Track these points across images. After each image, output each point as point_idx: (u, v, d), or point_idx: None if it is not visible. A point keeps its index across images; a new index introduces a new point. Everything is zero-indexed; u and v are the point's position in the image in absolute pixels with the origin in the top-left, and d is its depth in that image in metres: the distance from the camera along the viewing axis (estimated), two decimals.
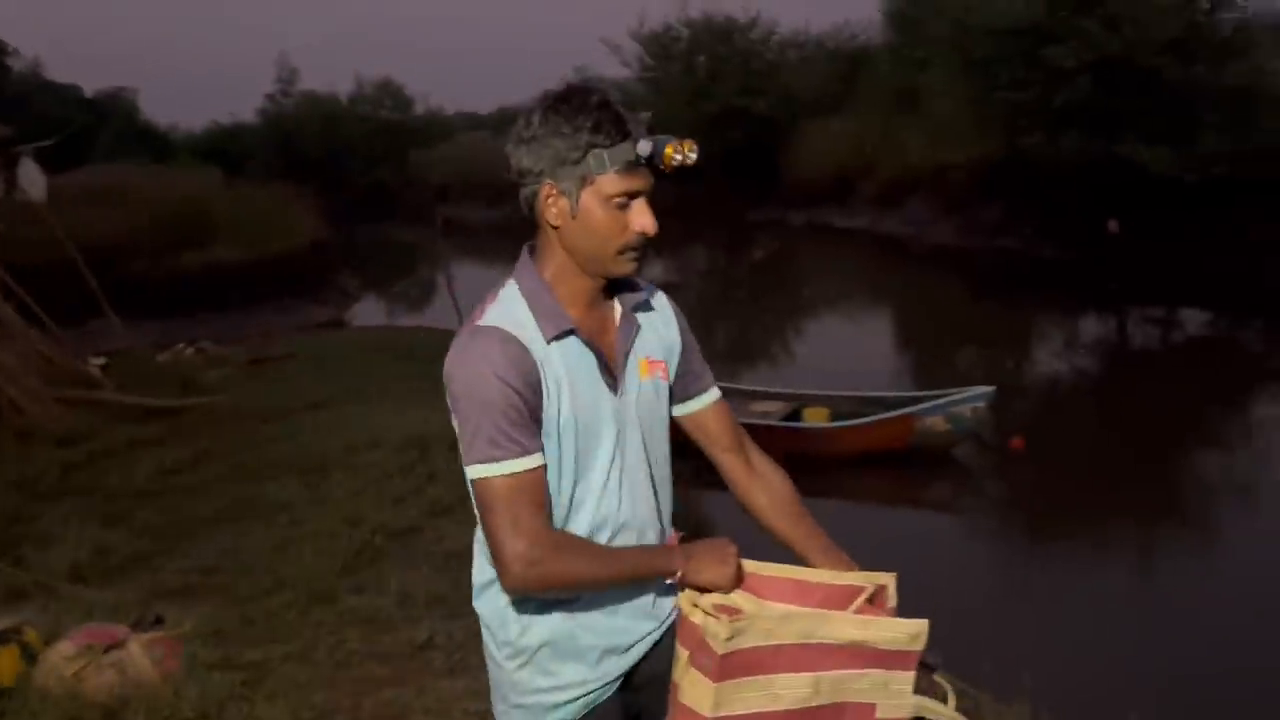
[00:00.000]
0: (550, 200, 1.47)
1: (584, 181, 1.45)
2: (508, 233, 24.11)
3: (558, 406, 1.47)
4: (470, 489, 1.45)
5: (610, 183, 1.45)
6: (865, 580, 1.51)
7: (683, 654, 1.44)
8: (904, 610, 1.45)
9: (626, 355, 1.56)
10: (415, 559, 4.33)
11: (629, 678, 1.57)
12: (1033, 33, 12.69)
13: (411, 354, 9.07)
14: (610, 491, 1.54)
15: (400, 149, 32.82)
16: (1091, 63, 12.19)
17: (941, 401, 6.77)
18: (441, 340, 9.76)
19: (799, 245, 20.49)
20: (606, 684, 1.55)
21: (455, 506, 4.76)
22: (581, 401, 1.50)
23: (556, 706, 1.55)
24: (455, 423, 1.47)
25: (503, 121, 38.76)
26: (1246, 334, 11.68)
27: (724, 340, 12.92)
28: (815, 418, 7.28)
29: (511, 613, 1.55)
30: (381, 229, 26.59)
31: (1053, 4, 12.66)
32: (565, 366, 1.49)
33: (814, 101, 24.08)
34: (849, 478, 6.84)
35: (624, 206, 1.47)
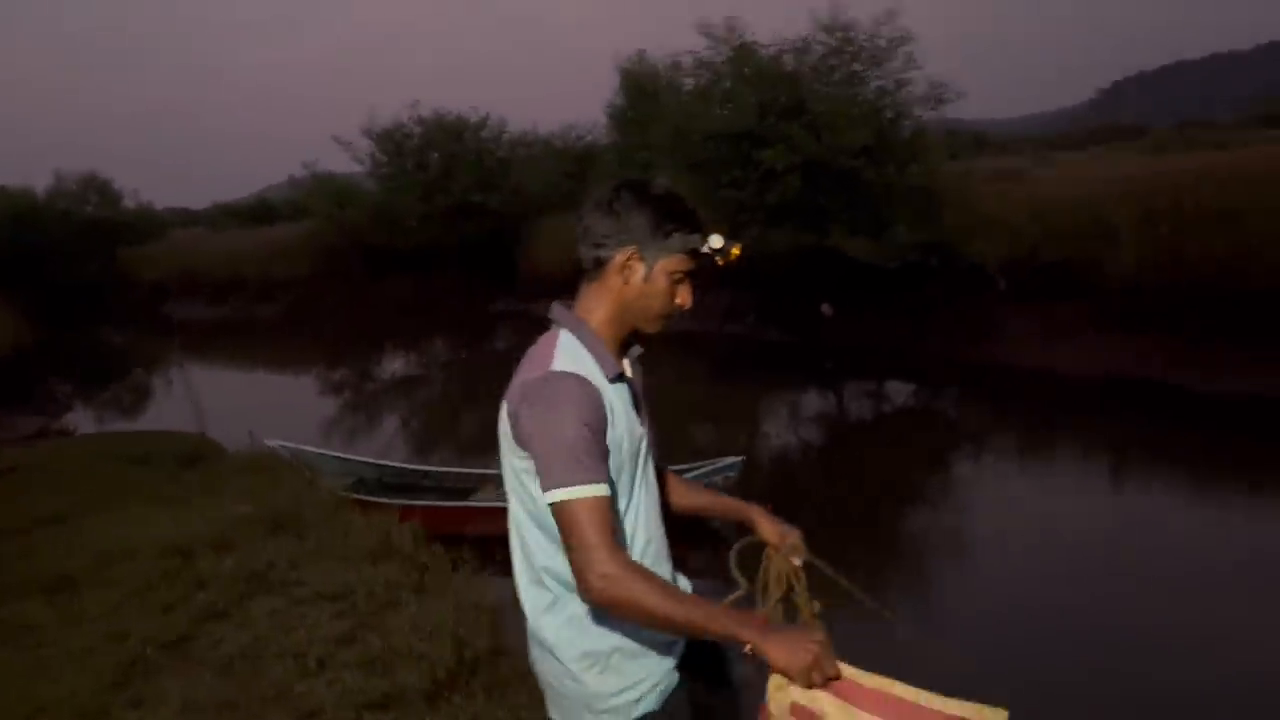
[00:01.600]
0: (629, 264, 1.78)
1: (661, 256, 1.77)
2: (230, 330, 23.11)
3: (615, 436, 1.71)
4: (552, 513, 1.64)
5: (679, 262, 1.80)
6: (976, 713, 1.44)
7: None
8: None
9: (640, 393, 1.87)
10: (194, 666, 4.16)
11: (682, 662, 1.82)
12: (747, 137, 13.96)
13: (148, 459, 8.54)
14: (646, 509, 1.81)
15: (108, 246, 30.73)
16: (799, 164, 13.56)
17: (698, 473, 7.23)
18: (181, 443, 9.29)
19: (540, 336, 20.86)
20: (672, 671, 1.78)
21: (230, 610, 4.60)
22: (629, 431, 1.76)
23: (637, 702, 1.75)
24: (527, 454, 1.68)
25: (219, 216, 37.33)
26: (942, 402, 13.12)
27: (474, 429, 13.00)
28: None
29: (579, 626, 1.75)
30: (93, 331, 24.64)
31: (763, 112, 14.00)
32: (619, 402, 1.75)
33: (545, 197, 24.97)
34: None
35: (679, 282, 1.81)
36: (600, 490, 1.63)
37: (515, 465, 1.74)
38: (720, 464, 7.25)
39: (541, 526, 1.75)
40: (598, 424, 1.67)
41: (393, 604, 4.35)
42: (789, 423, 12.33)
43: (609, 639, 1.74)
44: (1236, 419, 9.65)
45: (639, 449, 1.80)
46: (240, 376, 18.85)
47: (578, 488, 1.62)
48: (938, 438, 10.89)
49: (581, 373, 1.70)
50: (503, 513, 6.14)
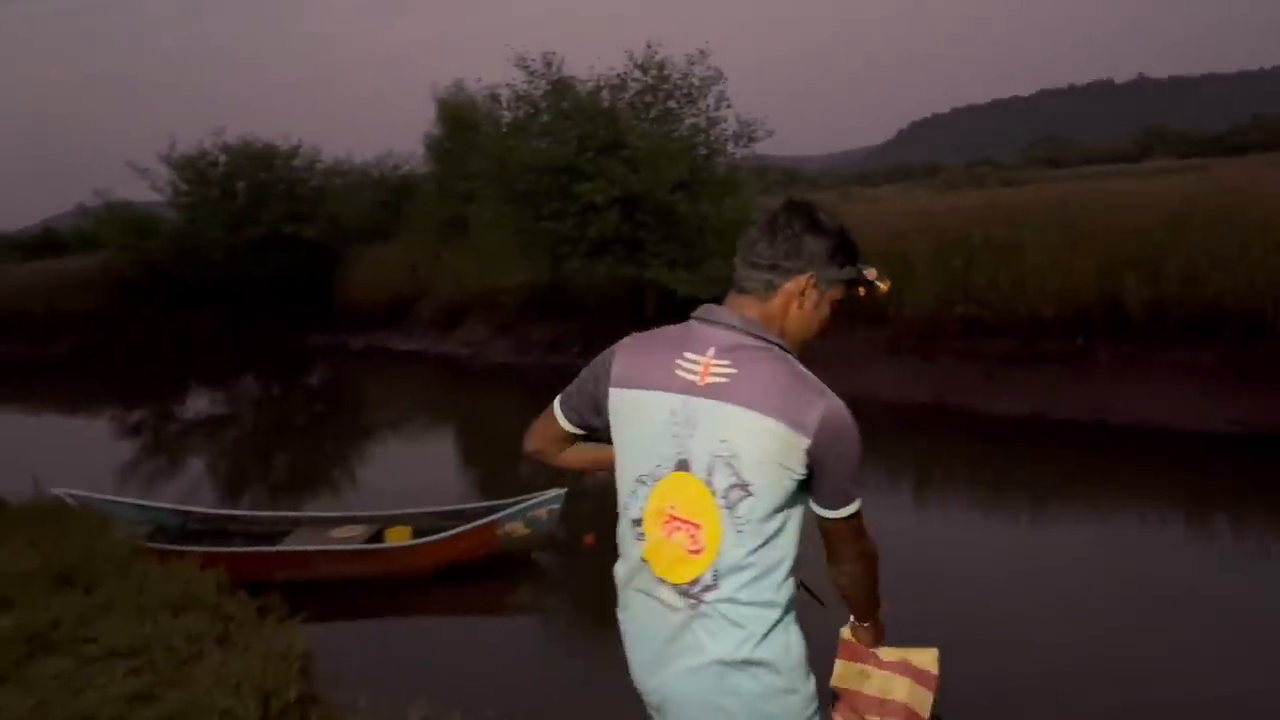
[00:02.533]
0: (807, 288, 1.88)
1: (831, 284, 1.88)
2: (13, 370, 21.28)
3: None
4: (840, 523, 1.86)
5: (840, 291, 1.92)
6: (912, 655, 2.14)
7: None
8: None
9: None
10: None
11: None
12: (566, 171, 14.11)
13: None
14: None
15: None
16: (618, 199, 13.80)
17: (520, 507, 7.18)
18: None
19: (360, 369, 20.38)
20: None
21: (9, 673, 4.22)
22: None
23: (820, 693, 1.92)
24: (806, 472, 1.79)
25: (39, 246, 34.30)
26: None
27: (286, 470, 12.48)
28: (398, 537, 7.34)
29: (793, 639, 1.87)
30: None
31: (582, 146, 14.19)
32: None
33: (363, 228, 24.40)
34: (439, 592, 6.98)
35: (831, 310, 1.92)
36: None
37: (790, 484, 1.80)
38: (542, 497, 7.22)
39: (793, 542, 1.86)
40: None
41: (194, 657, 4.11)
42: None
43: (802, 647, 1.89)
44: (1018, 436, 10.39)
45: None
46: (25, 421, 17.43)
47: (859, 501, 1.88)
48: None
49: None
50: (316, 556, 5.86)
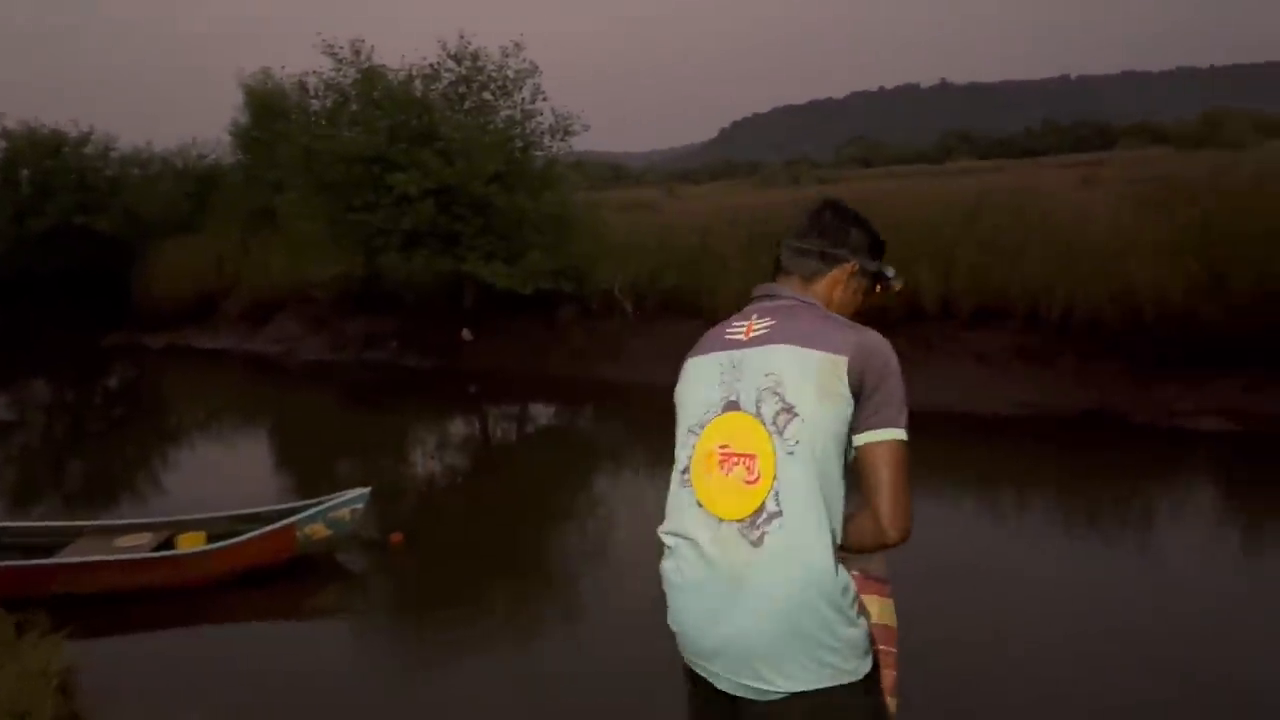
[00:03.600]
0: (851, 275, 2.10)
1: (867, 276, 2.11)
2: None
3: None
4: (883, 451, 1.85)
5: (871, 282, 2.15)
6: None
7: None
8: None
9: None
10: None
11: None
12: (378, 161, 13.72)
13: None
14: None
15: None
16: (432, 190, 13.52)
17: (320, 508, 6.92)
18: None
19: (161, 370, 19.24)
20: None
21: None
22: None
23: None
24: (881, 390, 1.87)
25: None
26: (580, 420, 13.57)
27: (82, 478, 11.66)
28: (190, 543, 6.95)
29: (846, 577, 1.85)
30: None
31: (393, 136, 13.84)
32: None
33: (164, 220, 23.04)
34: (234, 599, 6.65)
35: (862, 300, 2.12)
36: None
37: (836, 412, 1.85)
38: (343, 497, 6.99)
39: (843, 473, 1.88)
40: None
41: None
42: (433, 449, 12.19)
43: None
44: None
45: None
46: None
47: (904, 431, 1.87)
48: (578, 455, 11.22)
49: None
50: (97, 567, 5.46)
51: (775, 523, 1.82)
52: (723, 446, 1.91)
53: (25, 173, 22.54)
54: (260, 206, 20.31)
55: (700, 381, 2.01)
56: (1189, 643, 5.20)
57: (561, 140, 14.95)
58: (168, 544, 6.99)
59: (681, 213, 17.25)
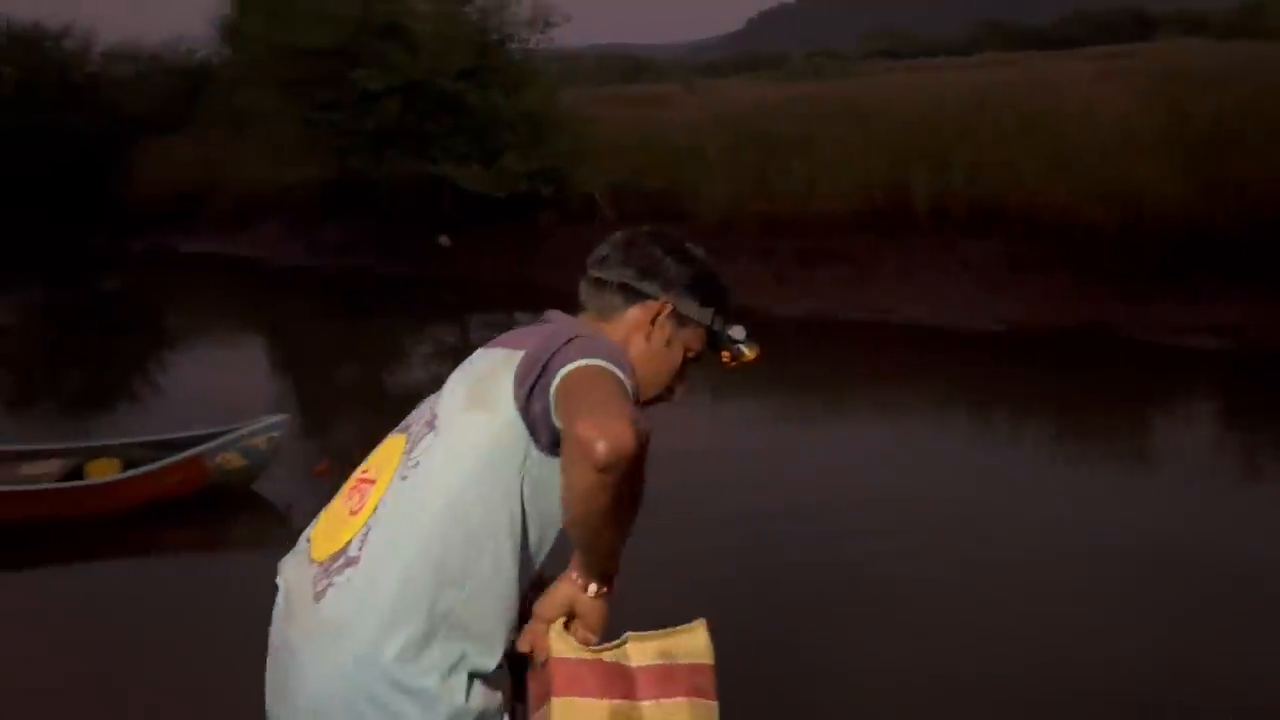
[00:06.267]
0: (663, 318, 1.53)
1: (689, 324, 1.55)
2: None
3: None
4: (556, 386, 1.31)
5: (700, 341, 1.57)
6: (680, 636, 1.44)
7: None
8: None
9: None
10: None
11: None
12: (340, 54, 12.95)
13: None
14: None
15: None
16: (399, 87, 12.77)
17: (232, 437, 6.48)
18: None
19: (142, 273, 18.86)
20: None
21: None
22: None
23: None
24: (557, 356, 1.34)
25: None
26: None
27: (77, 385, 11.39)
28: (104, 471, 6.54)
29: (471, 670, 1.33)
30: None
31: (359, 29, 13.03)
32: None
33: (150, 119, 22.33)
34: (144, 532, 6.29)
35: (685, 363, 1.57)
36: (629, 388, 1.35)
37: (487, 422, 1.37)
38: (259, 424, 6.55)
39: (519, 519, 1.38)
40: None
41: None
42: (419, 359, 11.76)
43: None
44: (802, 336, 10.22)
45: None
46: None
47: (609, 364, 1.34)
48: None
49: None
50: (47, 495, 4.96)
51: (346, 574, 1.34)
52: (364, 472, 1.50)
53: (6, 69, 21.84)
54: (245, 105, 19.57)
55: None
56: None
57: (540, 33, 14.09)
58: (77, 472, 6.59)
59: (696, 107, 16.39)
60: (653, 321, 1.52)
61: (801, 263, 11.34)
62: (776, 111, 13.20)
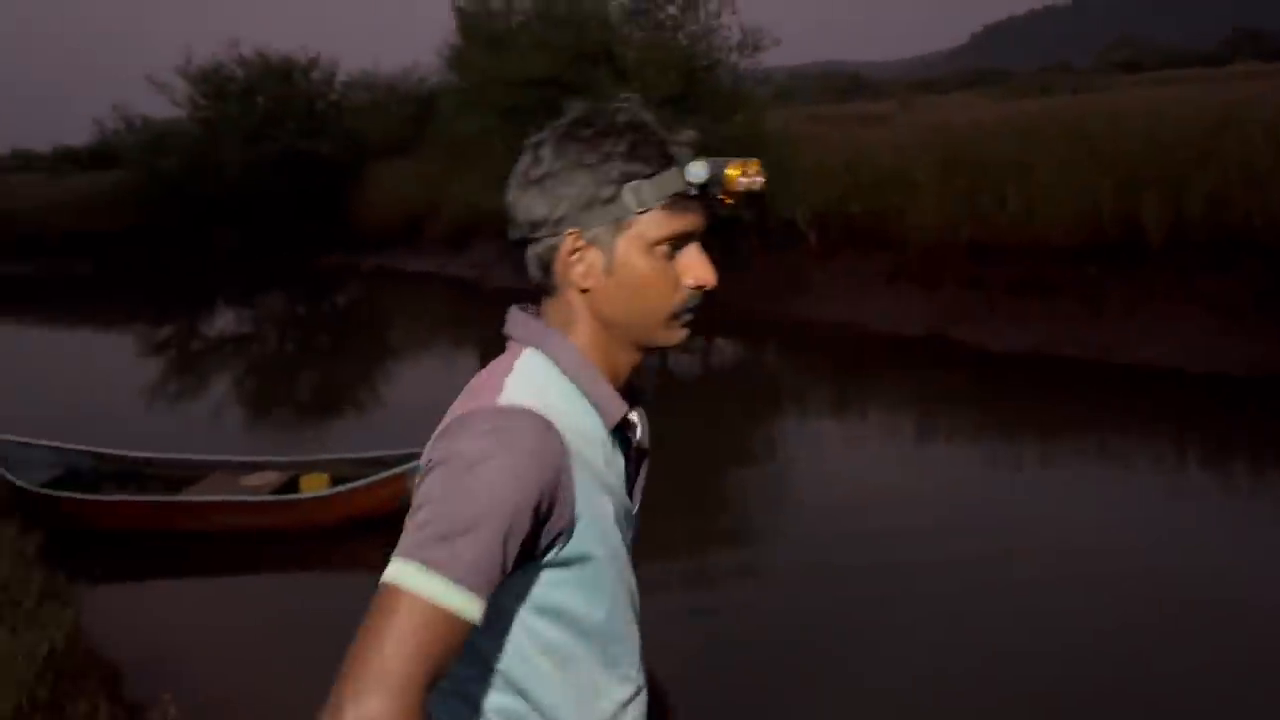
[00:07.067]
0: (575, 256, 1.14)
1: (620, 226, 1.12)
2: (39, 288, 21.42)
3: (594, 517, 1.11)
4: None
5: (654, 224, 1.12)
6: None
7: None
8: None
9: (643, 459, 1.26)
10: None
11: None
12: (554, 83, 13.31)
13: None
14: (631, 637, 1.21)
15: None
16: None
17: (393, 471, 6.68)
18: None
19: (373, 290, 20.11)
20: None
21: None
22: (618, 509, 1.16)
23: None
24: (412, 507, 1.05)
25: (59, 162, 34.33)
26: (764, 357, 12.90)
27: (309, 392, 12.33)
28: (315, 485, 6.93)
29: None
30: None
31: (574, 57, 13.35)
32: (607, 464, 1.15)
33: (383, 144, 23.81)
34: (346, 546, 6.57)
35: (671, 256, 1.15)
36: (458, 599, 0.99)
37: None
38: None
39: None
40: (544, 500, 1.05)
41: None
42: None
43: None
44: (1022, 375, 9.61)
45: (625, 540, 1.20)
46: (45, 338, 17.46)
47: (427, 573, 0.99)
48: (762, 396, 10.65)
49: (545, 411, 1.08)
50: (212, 507, 5.47)
51: None
52: None
53: (260, 99, 23.80)
54: (468, 132, 20.50)
55: None
56: None
57: (749, 57, 13.97)
58: (293, 484, 7.00)
59: (909, 126, 15.91)
60: (570, 271, 1.15)
61: (1016, 295, 10.68)
62: (993, 131, 12.52)
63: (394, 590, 1.00)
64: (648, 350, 1.20)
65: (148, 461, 7.45)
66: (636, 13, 13.90)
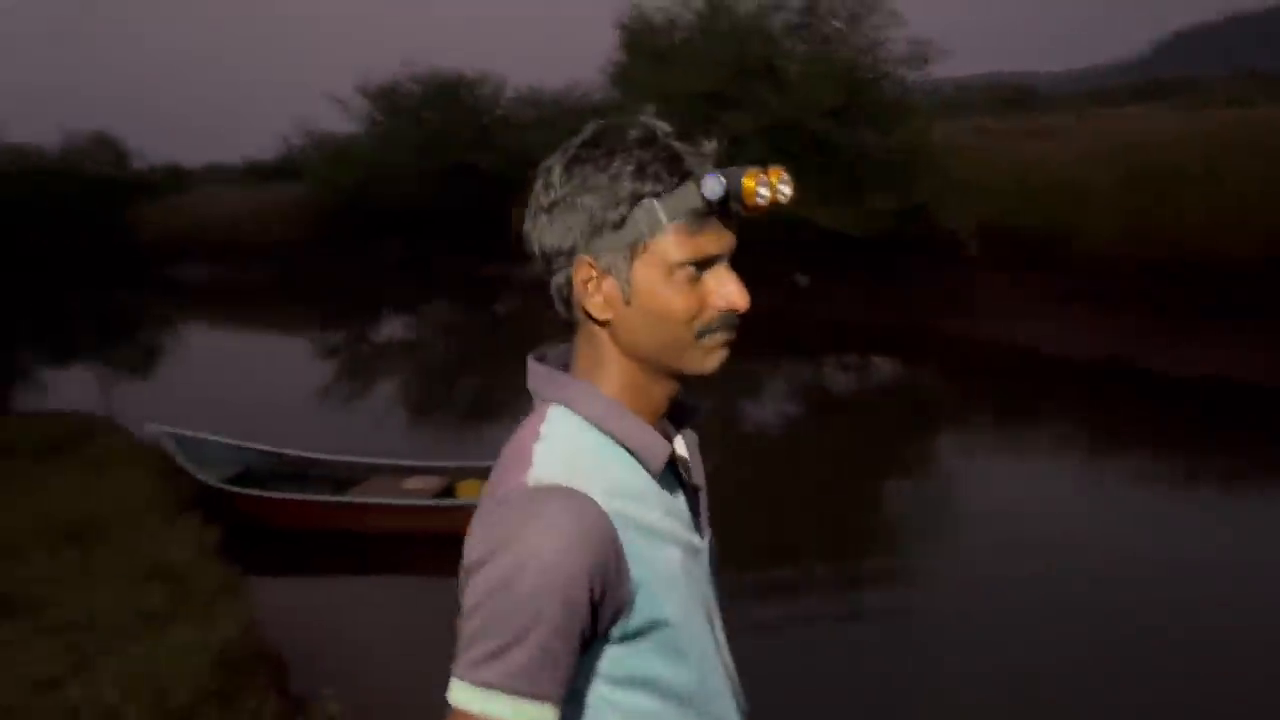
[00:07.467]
0: (590, 285, 1.06)
1: (635, 250, 1.04)
2: (228, 292, 22.92)
3: (656, 579, 1.03)
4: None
5: (673, 246, 1.03)
6: None
7: None
8: None
9: (698, 491, 1.15)
10: None
11: None
12: (716, 97, 13.33)
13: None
14: (720, 685, 1.12)
15: (116, 206, 30.23)
16: (765, 127, 12.90)
17: None
18: (59, 426, 8.56)
19: (531, 299, 20.56)
20: None
21: None
22: (686, 554, 1.09)
23: None
24: (463, 612, 1.00)
25: (210, 178, 36.58)
26: (922, 377, 12.54)
27: (468, 399, 12.79)
28: (470, 491, 7.10)
29: None
30: (99, 292, 24.39)
31: (736, 72, 13.34)
32: (664, 511, 1.07)
33: (545, 158, 24.34)
34: None
35: (696, 278, 1.05)
36: (527, 714, 0.97)
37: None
38: None
39: None
40: (598, 583, 0.99)
41: (136, 636, 3.96)
42: (768, 398, 11.83)
43: None
44: (1205, 402, 9.01)
45: (703, 576, 1.13)
46: (235, 339, 18.68)
47: (495, 696, 0.97)
48: (919, 417, 10.39)
49: (581, 483, 1.01)
50: (371, 510, 5.74)
51: None
52: None
53: (431, 114, 24.78)
54: None
55: None
56: None
57: (917, 70, 13.64)
58: (450, 489, 7.20)
59: (1081, 139, 15.22)
60: (590, 293, 1.06)
61: (1200, 316, 10.02)
62: (1175, 143, 11.79)
63: (464, 716, 0.97)
64: (681, 378, 1.10)
65: (314, 462, 7.81)
66: (799, 26, 13.76)
